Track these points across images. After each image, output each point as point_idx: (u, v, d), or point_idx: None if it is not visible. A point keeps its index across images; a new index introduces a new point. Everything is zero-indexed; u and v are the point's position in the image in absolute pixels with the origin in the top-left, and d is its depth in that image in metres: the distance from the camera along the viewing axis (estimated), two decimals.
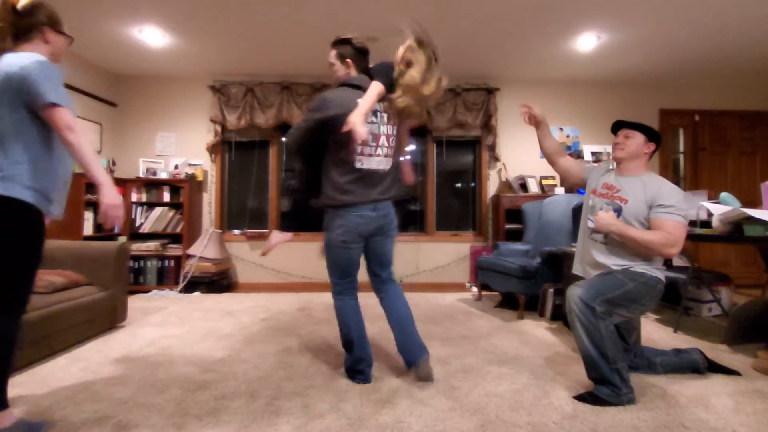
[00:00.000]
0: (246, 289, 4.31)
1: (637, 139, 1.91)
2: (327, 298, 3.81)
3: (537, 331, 2.81)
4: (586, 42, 3.61)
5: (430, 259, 4.58)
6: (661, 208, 1.78)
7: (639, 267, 1.83)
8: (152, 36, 3.51)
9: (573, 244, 2.94)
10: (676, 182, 4.75)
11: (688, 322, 2.99)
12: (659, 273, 1.85)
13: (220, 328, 2.83)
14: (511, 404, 1.74)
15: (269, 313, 3.26)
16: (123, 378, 1.99)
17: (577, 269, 2.07)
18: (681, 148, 4.80)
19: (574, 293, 1.80)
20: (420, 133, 4.66)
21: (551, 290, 3.07)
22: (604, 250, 1.90)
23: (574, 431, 1.53)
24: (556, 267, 3.09)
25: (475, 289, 4.12)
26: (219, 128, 4.40)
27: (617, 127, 2.00)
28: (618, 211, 1.87)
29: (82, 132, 1.39)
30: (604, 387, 1.76)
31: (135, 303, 3.48)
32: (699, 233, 2.68)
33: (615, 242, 1.87)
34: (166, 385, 1.90)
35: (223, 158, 4.63)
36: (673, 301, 3.27)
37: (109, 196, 1.42)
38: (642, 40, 3.57)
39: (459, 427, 1.55)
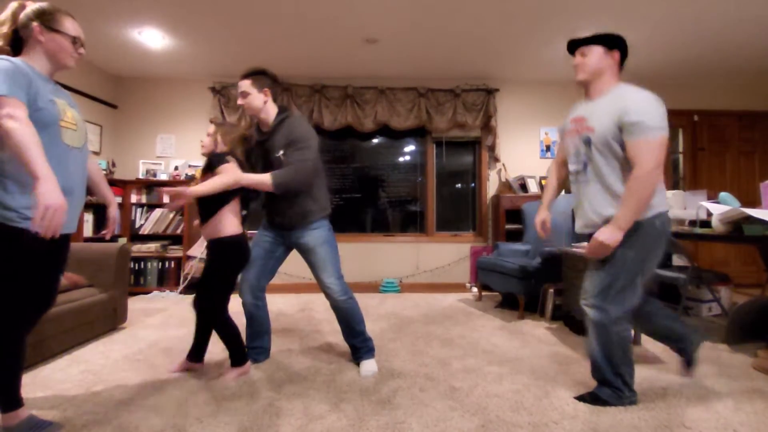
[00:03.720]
0: None
1: (594, 53, 1.70)
2: (325, 299, 3.81)
3: (537, 331, 2.81)
4: None
5: (430, 259, 4.58)
6: (631, 128, 1.56)
7: None
8: (152, 37, 3.52)
9: (573, 244, 2.95)
10: (676, 182, 4.76)
11: (688, 322, 2.99)
12: (657, 206, 1.64)
13: None
14: (511, 404, 1.74)
15: (270, 315, 3.25)
16: (124, 379, 1.99)
17: (578, 225, 1.84)
18: (680, 148, 4.81)
19: (587, 296, 1.72)
20: (420, 133, 4.67)
21: (551, 290, 3.08)
22: (598, 190, 1.70)
23: (574, 431, 1.54)
24: (557, 267, 3.09)
25: (475, 289, 4.12)
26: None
27: (572, 48, 1.79)
28: (587, 143, 1.68)
29: (27, 124, 1.22)
30: (606, 388, 1.75)
31: (135, 304, 3.48)
32: (698, 233, 2.68)
33: (603, 180, 1.67)
34: (166, 387, 1.90)
35: None
36: (672, 301, 3.27)
37: (48, 194, 1.18)
38: (641, 40, 3.58)
39: (459, 428, 1.56)
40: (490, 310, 3.42)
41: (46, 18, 1.37)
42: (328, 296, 2.10)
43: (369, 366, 2.10)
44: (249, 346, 2.22)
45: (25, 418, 1.46)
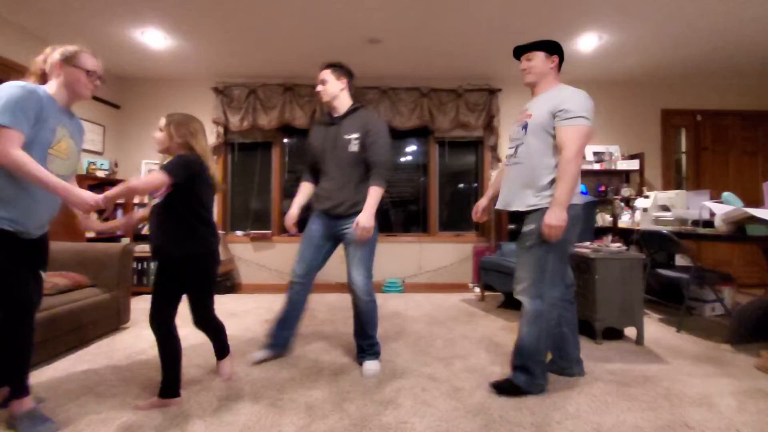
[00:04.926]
0: (249, 290, 4.32)
1: (538, 58, 1.90)
2: (329, 299, 3.82)
3: None
4: (588, 42, 3.61)
5: (432, 259, 4.58)
6: (561, 114, 1.75)
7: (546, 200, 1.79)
8: (154, 38, 3.52)
9: (577, 244, 2.94)
10: (679, 182, 4.75)
11: (690, 322, 2.99)
12: (575, 197, 1.80)
13: None
14: (514, 404, 1.74)
15: (272, 314, 3.26)
16: (127, 379, 1.99)
17: (499, 202, 2.02)
18: (683, 147, 4.79)
19: (522, 284, 1.85)
20: (422, 134, 4.67)
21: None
22: (522, 171, 1.87)
23: (577, 431, 1.54)
24: None
25: (478, 289, 4.12)
26: (222, 130, 4.41)
27: (518, 54, 1.97)
28: (525, 128, 1.87)
29: (23, 153, 1.38)
30: (522, 375, 1.84)
31: (138, 304, 3.49)
32: (701, 233, 2.68)
33: (531, 161, 1.83)
34: None
35: (226, 160, 4.64)
36: (675, 301, 3.26)
37: (83, 196, 1.44)
38: (644, 40, 3.57)
39: (463, 428, 1.56)
40: (492, 310, 3.41)
41: (66, 55, 1.57)
42: (351, 291, 2.12)
43: (371, 366, 2.11)
44: (272, 333, 2.24)
45: (28, 409, 1.53)
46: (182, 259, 1.73)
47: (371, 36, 3.53)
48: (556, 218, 1.71)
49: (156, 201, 1.72)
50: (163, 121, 1.79)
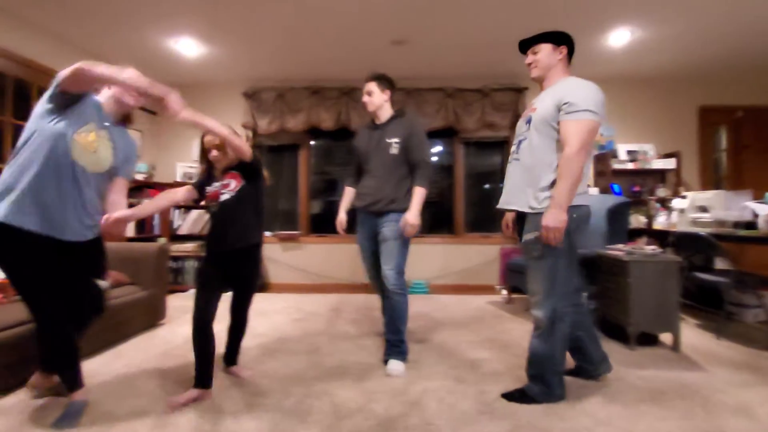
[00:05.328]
0: (278, 289, 4.41)
1: (544, 51, 1.80)
2: (356, 299, 3.86)
3: None
4: (619, 38, 3.50)
5: (458, 261, 4.55)
6: (565, 107, 1.65)
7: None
8: (188, 46, 3.66)
9: (608, 246, 2.86)
10: (717, 182, 4.53)
11: (731, 328, 2.85)
12: (579, 199, 1.71)
13: (254, 327, 2.90)
14: (543, 409, 1.71)
15: (301, 314, 3.33)
16: (162, 374, 2.08)
17: (501, 201, 1.95)
18: (722, 145, 4.57)
19: (536, 297, 1.78)
20: (447, 134, 4.64)
21: (585, 294, 3.00)
22: (524, 168, 1.79)
23: None
24: (591, 270, 3.01)
25: (505, 292, 4.06)
26: (251, 133, 4.53)
27: (524, 48, 1.89)
28: (529, 122, 1.79)
29: None
30: (537, 386, 1.78)
31: (174, 302, 3.63)
32: (743, 234, 2.56)
33: (534, 156, 1.75)
34: None
35: None
36: (714, 306, 3.12)
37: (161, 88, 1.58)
38: (678, 34, 3.43)
39: (489, 431, 1.55)
40: (520, 313, 3.36)
41: None
42: (384, 284, 2.24)
43: (395, 366, 2.13)
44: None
45: (73, 401, 1.65)
46: (253, 247, 1.93)
47: (395, 37, 3.54)
48: (554, 220, 1.62)
49: (227, 196, 1.88)
50: (216, 141, 1.91)
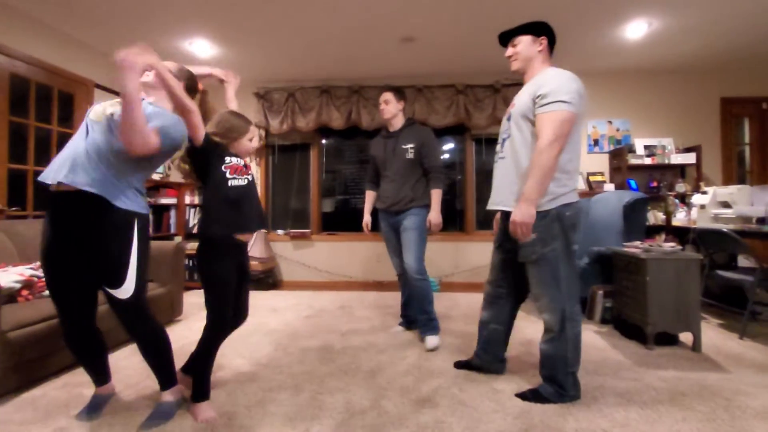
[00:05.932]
0: (290, 287, 4.44)
1: (523, 42, 1.78)
2: (367, 296, 3.86)
3: (585, 335, 2.68)
4: (636, 29, 3.41)
5: (469, 258, 4.51)
6: (539, 99, 1.61)
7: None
8: (201, 47, 3.71)
9: (624, 243, 2.80)
10: (741, 176, 4.38)
11: (755, 328, 2.76)
12: (568, 197, 1.66)
13: (266, 324, 2.95)
14: (557, 409, 1.68)
15: (312, 311, 3.35)
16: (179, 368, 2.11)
17: (490, 203, 1.89)
18: (746, 139, 4.42)
19: (542, 300, 1.74)
20: (458, 131, 4.60)
21: (600, 292, 2.94)
22: (509, 167, 1.76)
23: None
24: (606, 268, 2.95)
25: None
26: (263, 133, 4.56)
27: (504, 41, 1.86)
28: (509, 119, 1.77)
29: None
30: (550, 386, 1.75)
31: (190, 299, 3.67)
32: None
33: (516, 156, 1.71)
34: (217, 376, 2.00)
35: (267, 161, 4.81)
36: (738, 305, 3.02)
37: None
38: (698, 23, 3.33)
39: (502, 430, 1.53)
40: (533, 312, 3.31)
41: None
42: (406, 272, 2.50)
43: (431, 341, 2.41)
44: (402, 313, 2.78)
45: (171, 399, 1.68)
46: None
47: (405, 35, 3.52)
48: (522, 214, 1.59)
49: (249, 178, 1.80)
50: (256, 131, 1.97)
